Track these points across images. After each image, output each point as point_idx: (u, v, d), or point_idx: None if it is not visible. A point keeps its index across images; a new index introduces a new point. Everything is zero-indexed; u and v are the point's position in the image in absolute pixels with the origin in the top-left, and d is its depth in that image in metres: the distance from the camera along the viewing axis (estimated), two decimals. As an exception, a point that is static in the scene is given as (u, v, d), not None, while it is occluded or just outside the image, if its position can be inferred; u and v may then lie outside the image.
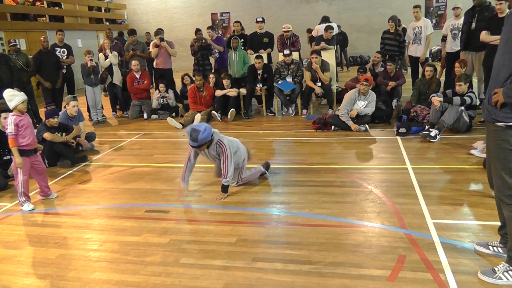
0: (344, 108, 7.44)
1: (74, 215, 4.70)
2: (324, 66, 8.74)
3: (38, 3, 15.58)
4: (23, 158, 4.75)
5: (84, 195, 5.28)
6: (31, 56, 9.43)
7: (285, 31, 9.60)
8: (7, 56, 8.68)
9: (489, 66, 6.95)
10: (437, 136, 6.45)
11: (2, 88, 8.13)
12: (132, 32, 10.67)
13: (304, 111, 9.00)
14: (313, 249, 3.57)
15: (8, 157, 6.15)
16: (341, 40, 15.93)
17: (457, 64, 7.48)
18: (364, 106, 7.45)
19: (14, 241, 4.14)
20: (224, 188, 4.82)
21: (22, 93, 4.84)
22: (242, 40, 9.96)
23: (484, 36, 6.76)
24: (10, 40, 9.58)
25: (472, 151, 5.75)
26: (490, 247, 3.29)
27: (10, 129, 4.65)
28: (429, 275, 3.09)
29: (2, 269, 3.64)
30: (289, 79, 8.88)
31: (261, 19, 9.81)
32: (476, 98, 6.82)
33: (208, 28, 10.51)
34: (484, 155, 5.35)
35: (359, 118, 7.44)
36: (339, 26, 16.16)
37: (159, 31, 10.33)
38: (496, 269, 2.98)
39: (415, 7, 9.34)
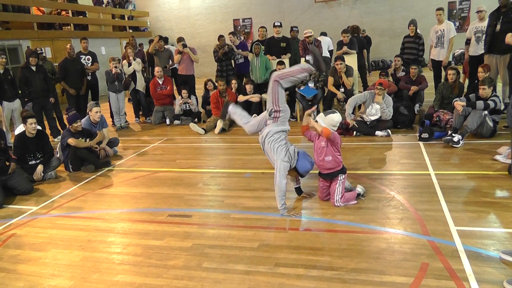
0: (354, 99, 7.62)
1: (97, 218, 4.78)
2: (349, 72, 8.69)
3: (63, 12, 15.94)
4: None
5: (108, 199, 5.37)
6: (57, 64, 9.63)
7: (306, 36, 9.59)
8: (44, 68, 8.85)
9: (514, 69, 6.86)
10: (460, 141, 6.34)
11: (39, 99, 8.42)
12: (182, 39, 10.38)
13: (326, 116, 8.95)
14: (335, 255, 3.56)
15: (33, 162, 6.29)
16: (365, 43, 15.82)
17: (480, 69, 7.35)
18: (377, 110, 7.39)
19: (40, 244, 4.23)
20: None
21: None
22: None
23: (510, 38, 6.63)
24: (37, 48, 9.80)
25: (497, 157, 5.64)
26: (516, 256, 3.23)
27: None
28: (452, 283, 3.04)
29: (28, 270, 3.73)
30: (311, 84, 8.85)
31: (279, 24, 9.86)
32: (500, 102, 6.69)
33: (230, 33, 10.59)
34: (509, 161, 5.25)
35: (381, 123, 7.39)
36: (363, 31, 16.07)
37: (181, 39, 10.44)
38: (522, 277, 2.91)
39: (438, 9, 9.23)
